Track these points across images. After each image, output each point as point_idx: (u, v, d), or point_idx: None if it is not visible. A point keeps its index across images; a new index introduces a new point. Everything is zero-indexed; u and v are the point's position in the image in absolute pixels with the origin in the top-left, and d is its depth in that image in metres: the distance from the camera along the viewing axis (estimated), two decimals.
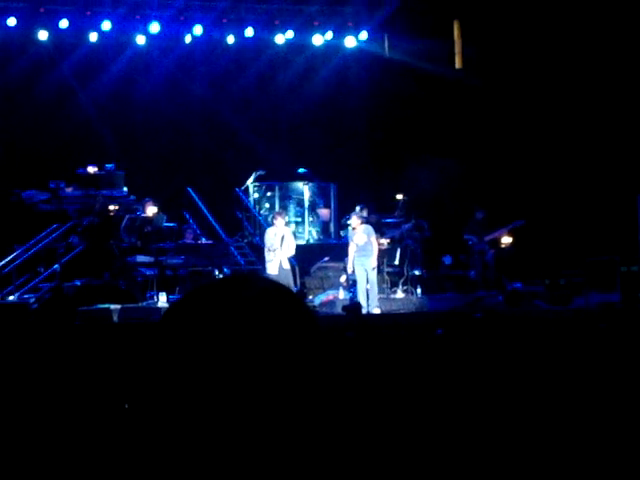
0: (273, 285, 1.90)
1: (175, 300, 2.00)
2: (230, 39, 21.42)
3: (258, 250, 19.48)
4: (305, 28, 21.99)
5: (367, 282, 16.82)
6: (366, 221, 19.45)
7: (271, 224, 17.99)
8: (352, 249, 17.08)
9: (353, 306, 14.67)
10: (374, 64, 22.47)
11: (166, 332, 1.90)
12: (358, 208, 19.08)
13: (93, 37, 20.52)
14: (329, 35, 22.15)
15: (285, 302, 1.90)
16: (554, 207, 20.11)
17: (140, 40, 20.68)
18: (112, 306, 16.03)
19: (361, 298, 16.67)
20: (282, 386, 1.87)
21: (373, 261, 16.99)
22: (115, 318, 15.87)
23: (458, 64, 21.43)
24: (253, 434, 1.84)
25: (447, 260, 20.30)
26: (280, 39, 21.82)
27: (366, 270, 16.90)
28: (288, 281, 16.72)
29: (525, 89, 21.30)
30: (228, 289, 1.89)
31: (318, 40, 22.01)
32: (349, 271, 17.24)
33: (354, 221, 17.24)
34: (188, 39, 21.25)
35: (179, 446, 1.84)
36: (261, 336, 1.86)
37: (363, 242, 17.02)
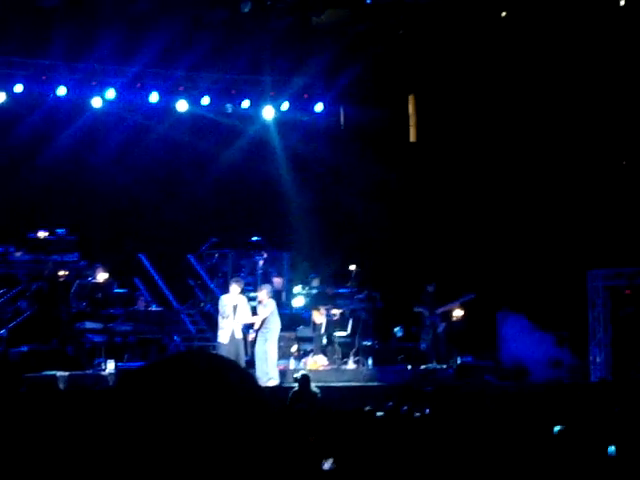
0: (221, 362, 1.88)
1: (125, 374, 1.97)
2: (186, 106, 21.50)
3: (209, 318, 19.35)
4: (260, 98, 22.17)
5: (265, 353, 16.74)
6: (319, 291, 19.45)
7: (224, 292, 17.90)
8: (259, 320, 16.94)
9: (303, 378, 14.56)
10: (329, 136, 22.65)
11: (116, 404, 1.86)
12: (311, 278, 19.13)
13: (48, 102, 20.51)
14: (285, 106, 22.34)
15: (232, 379, 1.88)
16: (505, 281, 20.25)
17: (96, 103, 20.69)
18: (59, 373, 15.80)
19: (262, 369, 16.56)
20: (229, 460, 1.84)
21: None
22: (61, 385, 15.63)
23: (412, 137, 21.69)
24: None
25: (399, 332, 20.29)
26: (234, 108, 21.98)
27: (267, 340, 16.82)
28: (239, 350, 16.57)
29: (476, 164, 21.60)
30: (178, 366, 1.87)
31: (270, 112, 22.18)
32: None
33: (263, 295, 17.11)
34: (143, 106, 21.31)
35: None
36: (208, 413, 1.83)
37: (268, 314, 16.93)
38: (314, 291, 19.76)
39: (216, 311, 17.56)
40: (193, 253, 20.88)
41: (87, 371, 16.54)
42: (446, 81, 21.37)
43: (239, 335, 16.72)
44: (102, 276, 17.86)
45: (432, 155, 22.07)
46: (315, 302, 19.08)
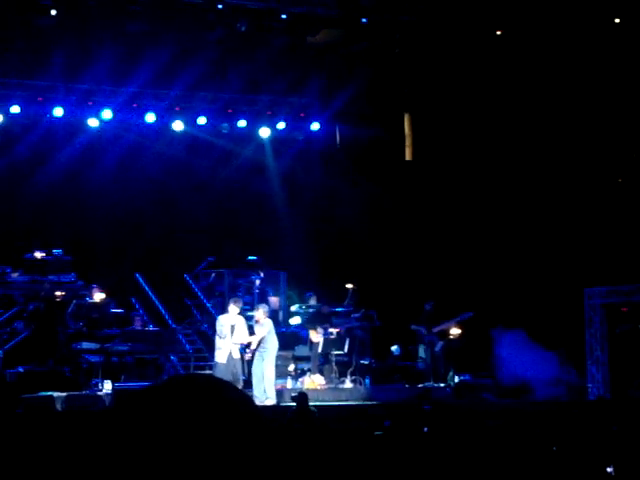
0: (218, 384, 1.88)
1: (123, 396, 1.97)
2: (182, 126, 21.53)
3: (206, 338, 19.32)
4: (257, 118, 22.22)
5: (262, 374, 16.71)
6: (315, 310, 19.44)
7: (221, 312, 17.86)
8: (256, 339, 16.91)
9: (301, 396, 14.53)
10: (325, 155, 22.69)
11: (114, 425, 1.86)
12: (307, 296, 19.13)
13: (45, 122, 20.53)
14: (281, 125, 22.38)
15: (229, 400, 1.88)
16: (502, 300, 20.24)
17: (92, 123, 20.71)
18: (55, 394, 15.75)
19: (260, 389, 16.52)
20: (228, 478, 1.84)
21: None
22: (58, 406, 15.59)
23: (408, 156, 21.73)
24: None
25: (396, 350, 20.27)
26: (230, 128, 22.03)
27: (264, 359, 16.79)
28: (236, 370, 16.54)
29: (472, 183, 21.64)
30: (175, 388, 1.87)
31: (266, 131, 22.23)
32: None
33: (260, 314, 17.09)
34: (139, 126, 21.35)
35: None
36: (207, 433, 1.82)
37: (265, 334, 16.91)
38: (311, 310, 19.75)
39: (213, 331, 17.53)
40: (190, 273, 20.87)
41: (84, 391, 16.49)
42: (442, 100, 21.42)
43: (236, 355, 16.69)
44: (99, 296, 17.84)
45: (428, 174, 22.11)
46: (311, 321, 19.07)
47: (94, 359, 17.19)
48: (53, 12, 18.45)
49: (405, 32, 20.52)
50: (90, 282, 18.37)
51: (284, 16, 19.80)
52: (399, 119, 22.21)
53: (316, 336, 18.71)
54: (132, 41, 19.46)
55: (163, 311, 20.09)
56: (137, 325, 18.47)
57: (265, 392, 16.55)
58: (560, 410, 16.55)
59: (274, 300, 20.06)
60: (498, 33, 20.43)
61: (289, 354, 18.67)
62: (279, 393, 16.98)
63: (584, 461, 9.58)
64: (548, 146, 21.02)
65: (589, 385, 19.31)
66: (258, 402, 15.54)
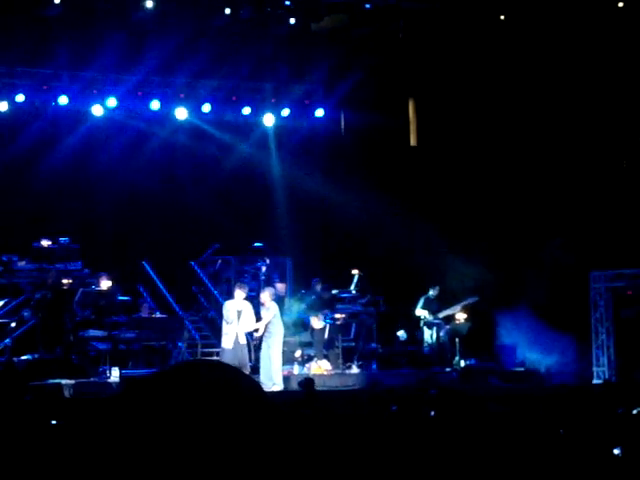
0: (226, 370, 1.91)
1: (130, 382, 2.01)
2: (186, 114, 21.53)
3: (213, 324, 19.37)
4: (261, 105, 22.21)
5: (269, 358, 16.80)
6: (319, 296, 19.44)
7: (227, 298, 17.91)
8: (262, 324, 16.98)
9: (307, 382, 14.59)
10: (330, 141, 22.67)
11: (123, 411, 1.90)
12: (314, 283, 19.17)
13: (50, 111, 20.55)
14: (285, 112, 22.36)
15: (237, 385, 1.92)
16: (507, 283, 20.27)
17: (97, 111, 20.71)
18: (64, 381, 15.86)
19: (267, 375, 16.60)
20: (237, 464, 1.88)
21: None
22: (67, 393, 15.68)
23: (413, 142, 21.73)
24: None
25: (402, 336, 20.32)
26: (234, 115, 22.05)
27: (270, 346, 16.87)
28: (243, 356, 16.60)
29: (477, 167, 21.64)
30: (183, 374, 1.91)
31: (270, 119, 22.21)
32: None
33: (266, 297, 17.14)
34: (144, 113, 21.36)
35: None
36: (215, 419, 1.87)
37: (271, 317, 16.98)
38: (313, 296, 19.75)
39: (220, 317, 17.58)
40: (196, 260, 20.90)
41: (92, 379, 16.58)
42: (446, 85, 21.41)
43: (243, 341, 16.74)
44: (105, 284, 17.88)
45: (433, 159, 22.11)
46: (312, 307, 19.04)
47: (102, 346, 17.26)
48: (57, 0, 18.50)
49: (409, 17, 20.50)
50: (97, 270, 18.42)
51: (288, 2, 19.80)
52: (404, 105, 22.22)
53: (317, 322, 18.75)
54: (136, 29, 19.48)
55: (170, 298, 20.14)
56: (144, 312, 18.53)
57: (272, 378, 16.62)
58: (566, 393, 16.58)
59: (280, 286, 20.08)
60: (502, 18, 20.40)
61: (295, 340, 18.71)
62: (286, 379, 17.05)
63: (591, 444, 9.63)
64: (553, 130, 21.01)
65: (594, 369, 19.36)
66: (265, 388, 15.61)
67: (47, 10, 18.56)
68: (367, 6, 20.01)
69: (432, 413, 12.34)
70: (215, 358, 17.21)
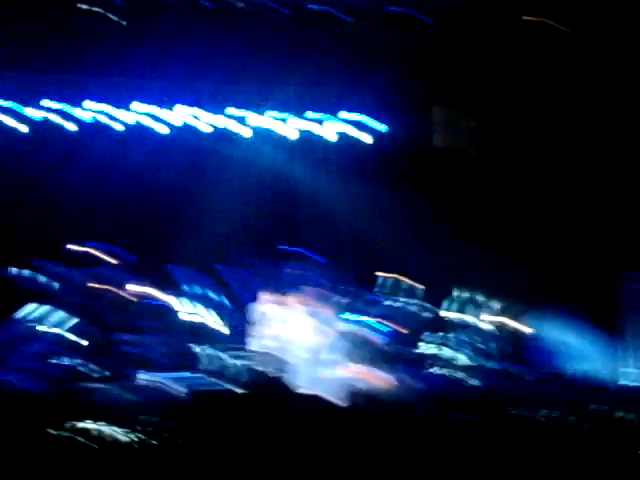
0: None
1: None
2: (211, 116, 21.71)
3: (241, 327, 19.46)
4: (285, 108, 22.33)
5: None
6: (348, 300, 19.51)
7: (254, 301, 18.00)
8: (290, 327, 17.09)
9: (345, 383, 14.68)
10: (357, 147, 22.71)
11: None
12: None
13: (75, 118, 20.83)
14: (310, 115, 22.46)
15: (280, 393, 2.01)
16: (536, 284, 20.24)
17: (123, 117, 20.91)
18: (94, 385, 16.01)
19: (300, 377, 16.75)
20: None
21: None
22: (97, 398, 15.82)
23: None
24: None
25: None
26: (260, 116, 22.22)
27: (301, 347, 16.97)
28: (273, 359, 16.71)
29: (502, 167, 21.62)
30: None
31: (295, 122, 22.31)
32: None
33: (294, 301, 17.23)
34: (169, 118, 21.56)
35: None
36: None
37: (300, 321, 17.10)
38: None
39: (248, 321, 17.71)
40: (222, 263, 21.01)
41: (122, 383, 16.73)
42: (469, 88, 21.40)
43: (272, 344, 16.85)
44: (136, 288, 18.05)
45: (457, 163, 22.08)
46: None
47: (132, 350, 17.42)
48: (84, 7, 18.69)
49: (429, 20, 20.51)
50: (127, 274, 18.58)
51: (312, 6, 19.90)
52: (427, 109, 22.25)
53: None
54: (163, 37, 19.65)
55: (198, 302, 20.26)
56: (173, 317, 18.70)
57: (307, 380, 16.66)
58: (593, 394, 16.59)
59: (308, 290, 20.14)
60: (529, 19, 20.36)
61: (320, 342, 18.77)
62: (320, 381, 17.09)
63: (619, 444, 9.69)
64: (581, 131, 20.94)
65: (624, 369, 19.33)
66: (301, 391, 15.77)
67: (77, 19, 18.77)
68: (392, 9, 20.07)
69: (459, 415, 12.44)
70: (245, 362, 17.33)
